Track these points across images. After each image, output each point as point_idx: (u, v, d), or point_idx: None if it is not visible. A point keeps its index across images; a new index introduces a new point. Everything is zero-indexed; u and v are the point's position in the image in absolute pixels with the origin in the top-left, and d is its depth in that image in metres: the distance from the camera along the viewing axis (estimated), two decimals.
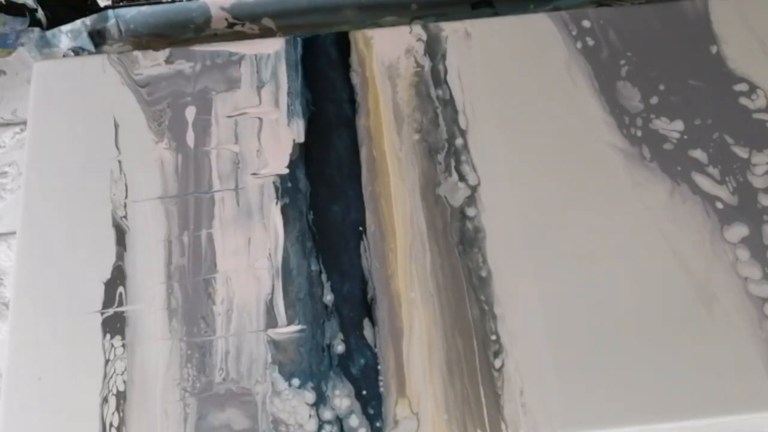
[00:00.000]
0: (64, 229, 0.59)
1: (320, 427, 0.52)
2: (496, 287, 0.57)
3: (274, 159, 0.62)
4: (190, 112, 0.65)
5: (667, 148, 0.62)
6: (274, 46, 0.68)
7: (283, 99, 0.65)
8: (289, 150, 0.63)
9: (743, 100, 0.64)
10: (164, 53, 0.67)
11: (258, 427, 0.52)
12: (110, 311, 0.56)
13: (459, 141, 0.63)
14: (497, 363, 0.54)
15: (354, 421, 0.53)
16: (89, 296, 0.57)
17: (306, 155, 0.63)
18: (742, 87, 0.64)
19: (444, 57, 0.67)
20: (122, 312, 0.56)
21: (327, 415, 0.53)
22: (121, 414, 0.53)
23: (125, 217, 0.60)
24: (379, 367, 0.54)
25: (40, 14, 0.69)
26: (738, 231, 0.58)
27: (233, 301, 0.57)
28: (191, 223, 0.60)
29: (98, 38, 0.73)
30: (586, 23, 0.68)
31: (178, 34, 0.75)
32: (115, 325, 0.56)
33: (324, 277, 0.58)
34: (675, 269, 0.57)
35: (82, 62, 0.68)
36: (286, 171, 0.62)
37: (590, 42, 0.67)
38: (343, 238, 0.59)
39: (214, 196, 0.61)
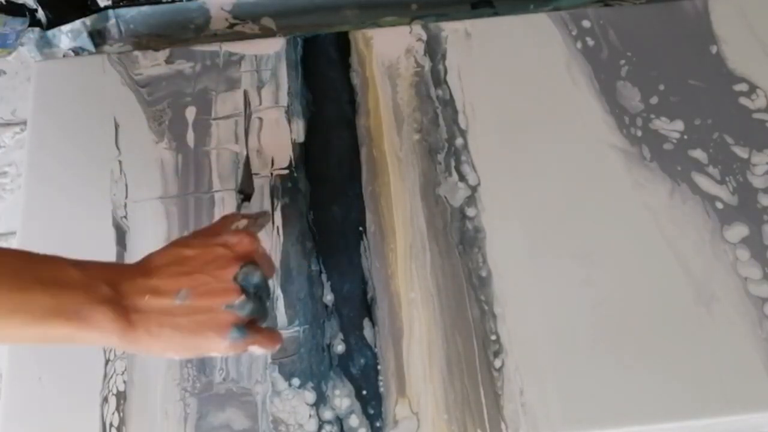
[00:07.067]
0: (64, 229, 0.59)
1: (320, 427, 0.52)
2: (496, 287, 0.57)
3: (275, 159, 0.62)
4: (190, 112, 0.65)
5: (667, 148, 0.62)
6: (274, 46, 0.68)
7: (283, 99, 0.65)
8: (289, 150, 0.63)
9: (743, 100, 0.64)
10: (164, 53, 0.67)
11: (258, 427, 0.53)
12: None
13: (459, 141, 0.63)
14: (497, 363, 0.54)
15: (354, 421, 0.53)
16: None
17: (306, 155, 0.63)
18: (742, 87, 0.64)
19: (444, 57, 0.67)
20: None
21: (327, 415, 0.53)
22: (121, 414, 0.53)
23: (125, 217, 0.60)
24: (379, 367, 0.54)
25: (40, 14, 0.69)
26: (738, 231, 0.58)
27: None
28: (191, 223, 0.60)
29: (98, 38, 0.73)
30: (586, 23, 0.68)
31: (178, 34, 0.75)
32: None
33: (324, 277, 0.58)
34: (675, 269, 0.57)
35: (82, 62, 0.69)
36: (286, 171, 0.62)
37: (590, 42, 0.67)
38: (343, 238, 0.59)
39: (214, 196, 0.61)
